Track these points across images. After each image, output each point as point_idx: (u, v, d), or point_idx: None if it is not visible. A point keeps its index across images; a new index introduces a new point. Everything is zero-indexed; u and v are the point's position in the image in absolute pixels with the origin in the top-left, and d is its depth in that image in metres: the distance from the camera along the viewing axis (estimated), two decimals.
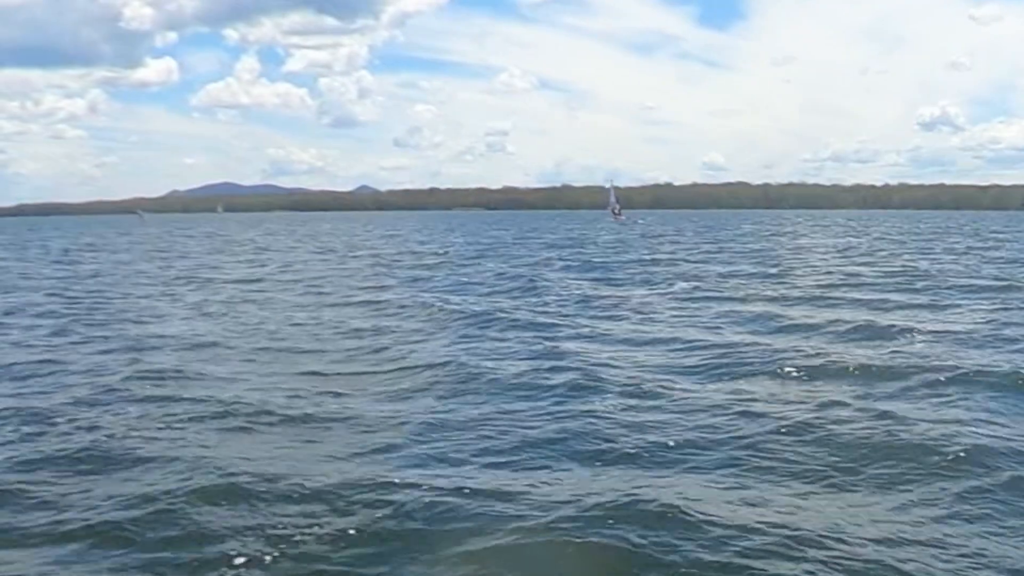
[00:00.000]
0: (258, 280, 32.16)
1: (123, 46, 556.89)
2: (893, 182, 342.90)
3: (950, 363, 13.65)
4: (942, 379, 12.61)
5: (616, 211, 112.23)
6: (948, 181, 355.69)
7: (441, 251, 52.76)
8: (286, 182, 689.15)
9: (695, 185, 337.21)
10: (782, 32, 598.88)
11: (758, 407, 11.23)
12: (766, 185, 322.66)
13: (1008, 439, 9.63)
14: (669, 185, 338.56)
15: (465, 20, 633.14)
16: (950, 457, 8.94)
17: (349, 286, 28.96)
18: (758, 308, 21.54)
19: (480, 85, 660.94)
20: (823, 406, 11.13)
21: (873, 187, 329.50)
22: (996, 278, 29.59)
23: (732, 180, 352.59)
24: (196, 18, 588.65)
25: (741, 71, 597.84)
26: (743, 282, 29.08)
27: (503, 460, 9.21)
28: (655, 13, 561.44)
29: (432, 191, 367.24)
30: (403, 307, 22.53)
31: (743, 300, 23.64)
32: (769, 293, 25.28)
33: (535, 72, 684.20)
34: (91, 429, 10.31)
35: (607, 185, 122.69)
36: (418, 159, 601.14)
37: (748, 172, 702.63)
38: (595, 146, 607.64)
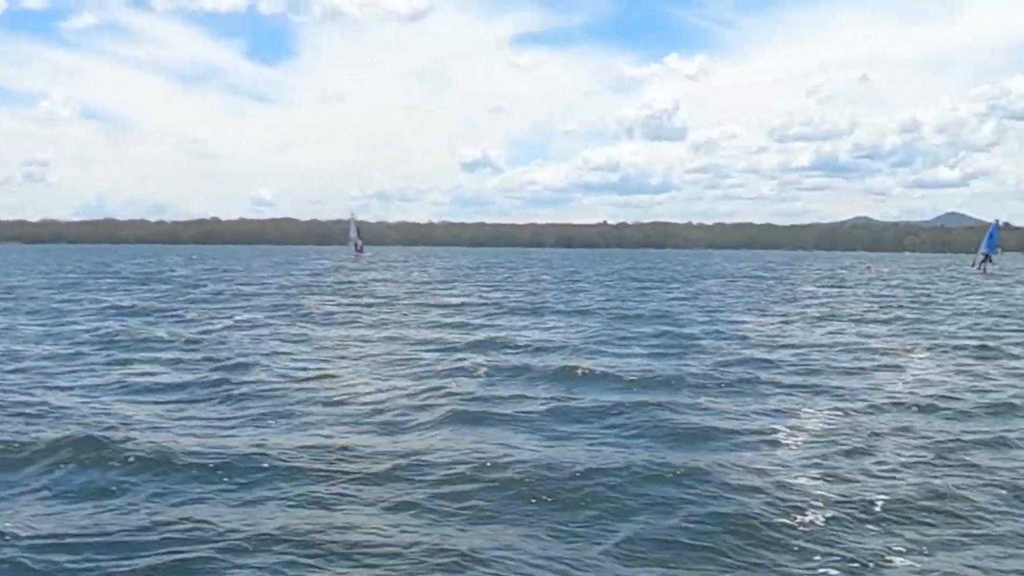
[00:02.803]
0: None
1: None
2: (436, 220, 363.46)
3: None
4: None
5: (358, 246, 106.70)
6: (488, 220, 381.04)
7: None
8: None
9: (242, 220, 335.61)
10: (332, 70, 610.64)
11: None
12: (314, 221, 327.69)
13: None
14: (216, 220, 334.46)
15: (5, 43, 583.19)
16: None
17: None
18: None
19: (20, 112, 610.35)
20: None
21: (417, 224, 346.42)
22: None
23: (280, 216, 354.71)
24: None
25: (291, 106, 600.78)
26: None
27: None
28: (203, 45, 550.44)
29: None
30: None
31: None
32: None
33: (79, 100, 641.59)
34: None
35: (348, 216, 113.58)
36: None
37: (296, 208, 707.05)
38: (141, 179, 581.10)
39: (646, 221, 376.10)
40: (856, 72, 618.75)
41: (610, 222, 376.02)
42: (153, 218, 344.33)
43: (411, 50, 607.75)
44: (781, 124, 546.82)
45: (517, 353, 20.44)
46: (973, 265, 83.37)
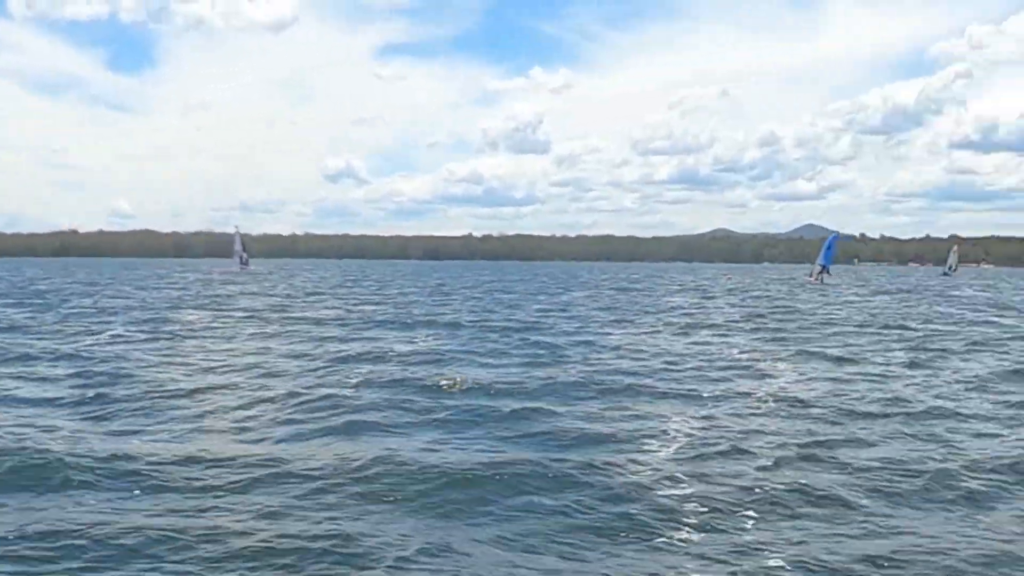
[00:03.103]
0: None
1: None
2: (300, 232, 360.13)
3: None
4: None
5: (243, 259, 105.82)
6: (352, 232, 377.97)
7: None
8: None
9: (101, 233, 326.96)
10: (194, 79, 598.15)
11: None
12: (175, 233, 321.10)
13: None
14: (75, 232, 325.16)
15: None
16: None
17: None
18: None
19: None
20: None
21: (281, 236, 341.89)
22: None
23: (139, 228, 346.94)
24: None
25: (152, 116, 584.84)
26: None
27: None
28: (64, 53, 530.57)
29: None
30: None
31: None
32: None
33: None
34: None
35: (232, 231, 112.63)
36: None
37: (156, 220, 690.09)
38: None
39: (511, 233, 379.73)
40: (717, 87, 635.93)
41: (475, 234, 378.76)
42: (9, 230, 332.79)
43: (274, 60, 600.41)
44: (643, 137, 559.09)
45: (389, 365, 20.44)
46: (811, 276, 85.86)
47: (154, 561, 7.67)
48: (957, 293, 69.94)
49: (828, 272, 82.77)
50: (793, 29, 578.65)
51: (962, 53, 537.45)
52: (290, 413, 14.33)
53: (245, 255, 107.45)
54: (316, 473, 10.36)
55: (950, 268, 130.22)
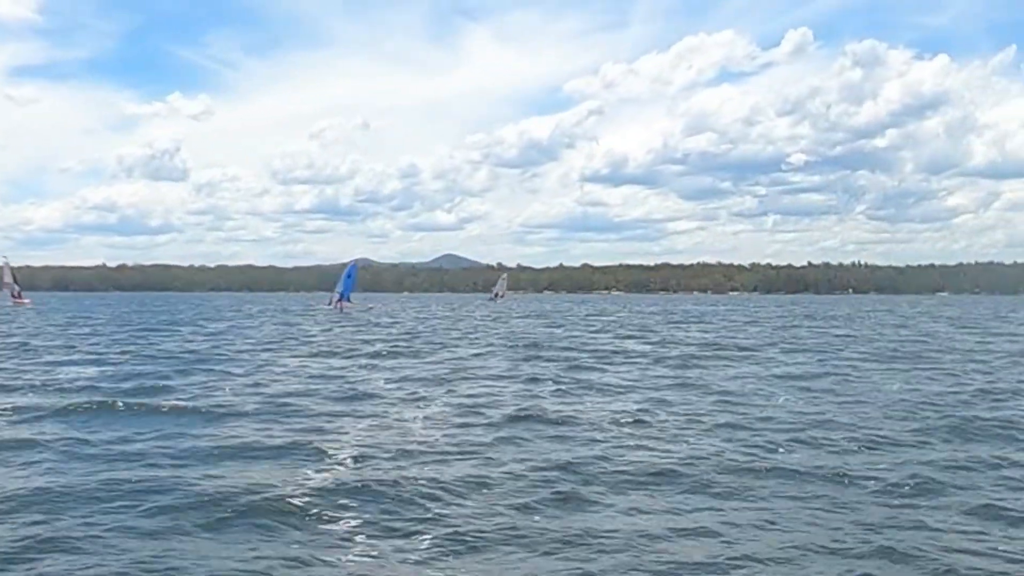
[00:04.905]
0: None
1: None
2: None
3: None
4: None
5: (16, 293, 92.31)
6: None
7: None
8: None
9: None
10: None
11: None
12: None
13: None
14: None
15: None
16: None
17: None
18: None
19: None
20: None
21: None
22: None
23: None
24: None
25: None
26: None
27: None
28: None
29: None
30: None
31: None
32: None
33: None
34: None
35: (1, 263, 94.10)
36: None
37: None
38: None
39: (147, 263, 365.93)
40: (358, 118, 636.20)
41: (109, 264, 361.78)
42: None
43: None
44: (284, 167, 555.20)
45: (41, 393, 20.68)
46: (329, 303, 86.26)
47: None
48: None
49: (349, 300, 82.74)
50: (432, 63, 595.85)
51: (595, 91, 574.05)
52: None
53: (18, 288, 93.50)
54: None
55: (495, 295, 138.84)
